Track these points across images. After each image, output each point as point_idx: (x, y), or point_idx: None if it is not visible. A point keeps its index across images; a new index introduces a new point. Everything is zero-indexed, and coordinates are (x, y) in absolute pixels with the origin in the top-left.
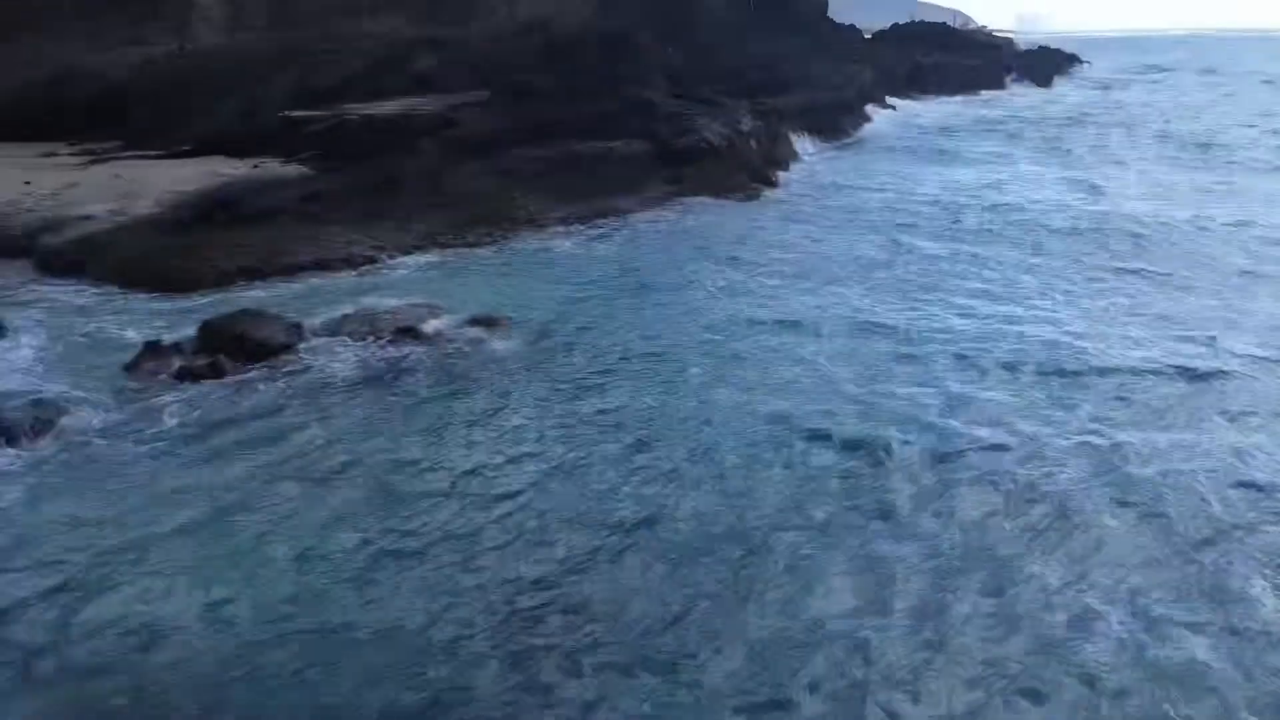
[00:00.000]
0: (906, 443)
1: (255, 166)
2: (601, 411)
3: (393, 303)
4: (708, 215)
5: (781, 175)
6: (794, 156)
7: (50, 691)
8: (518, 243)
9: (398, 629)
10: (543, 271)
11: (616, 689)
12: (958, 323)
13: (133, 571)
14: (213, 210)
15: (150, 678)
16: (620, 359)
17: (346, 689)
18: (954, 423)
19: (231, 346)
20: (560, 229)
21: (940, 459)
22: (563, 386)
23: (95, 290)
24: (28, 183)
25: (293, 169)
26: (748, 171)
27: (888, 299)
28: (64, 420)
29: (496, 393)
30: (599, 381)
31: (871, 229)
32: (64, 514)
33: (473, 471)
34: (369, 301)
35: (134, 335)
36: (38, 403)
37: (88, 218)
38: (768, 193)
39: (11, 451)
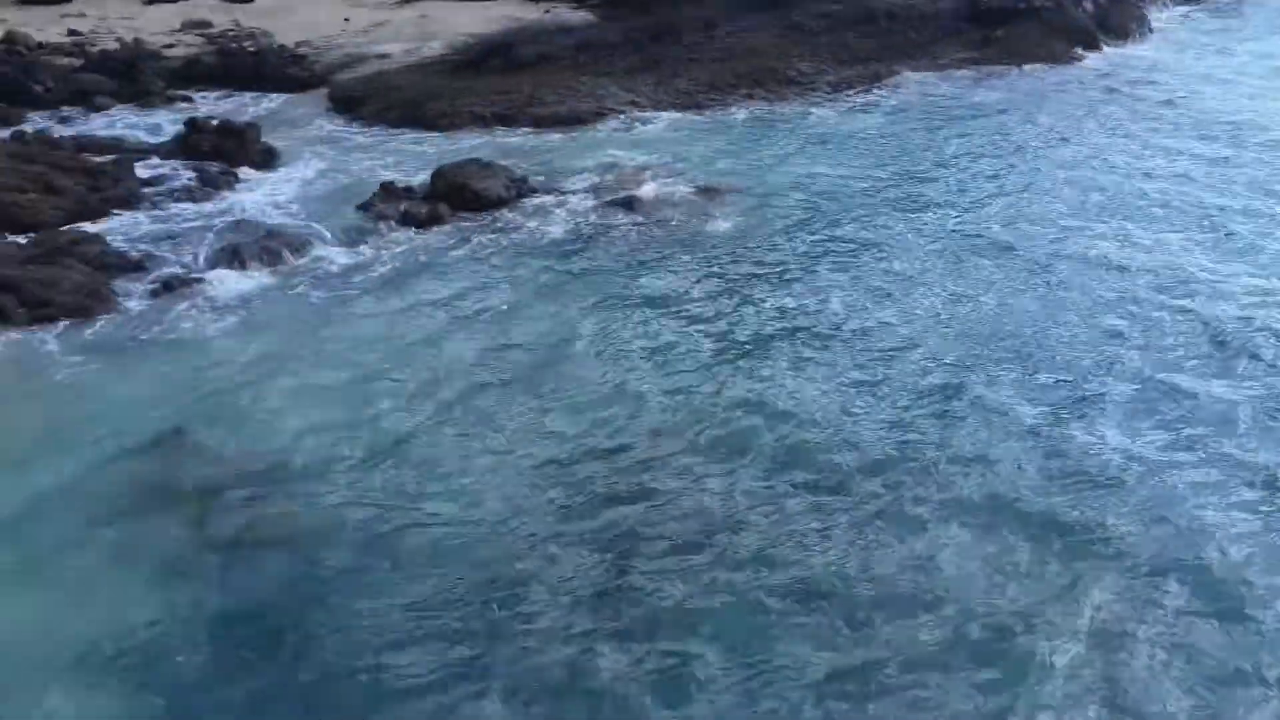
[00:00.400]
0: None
1: (546, 12)
2: (792, 311)
3: (628, 163)
4: (999, 90)
5: (1114, 50)
6: (1141, 23)
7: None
8: (779, 106)
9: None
10: (792, 141)
11: None
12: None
13: (290, 396)
14: (489, 55)
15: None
16: (839, 254)
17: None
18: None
19: (454, 195)
20: (830, 94)
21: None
22: (762, 275)
23: (369, 127)
24: (346, 19)
25: (580, 15)
26: (1073, 39)
27: (1166, 240)
28: (288, 254)
29: (689, 274)
30: (802, 276)
31: (1203, 138)
32: (253, 338)
33: (633, 355)
34: (606, 158)
35: (387, 175)
36: (272, 234)
37: (384, 56)
38: (1089, 65)
39: (237, 283)
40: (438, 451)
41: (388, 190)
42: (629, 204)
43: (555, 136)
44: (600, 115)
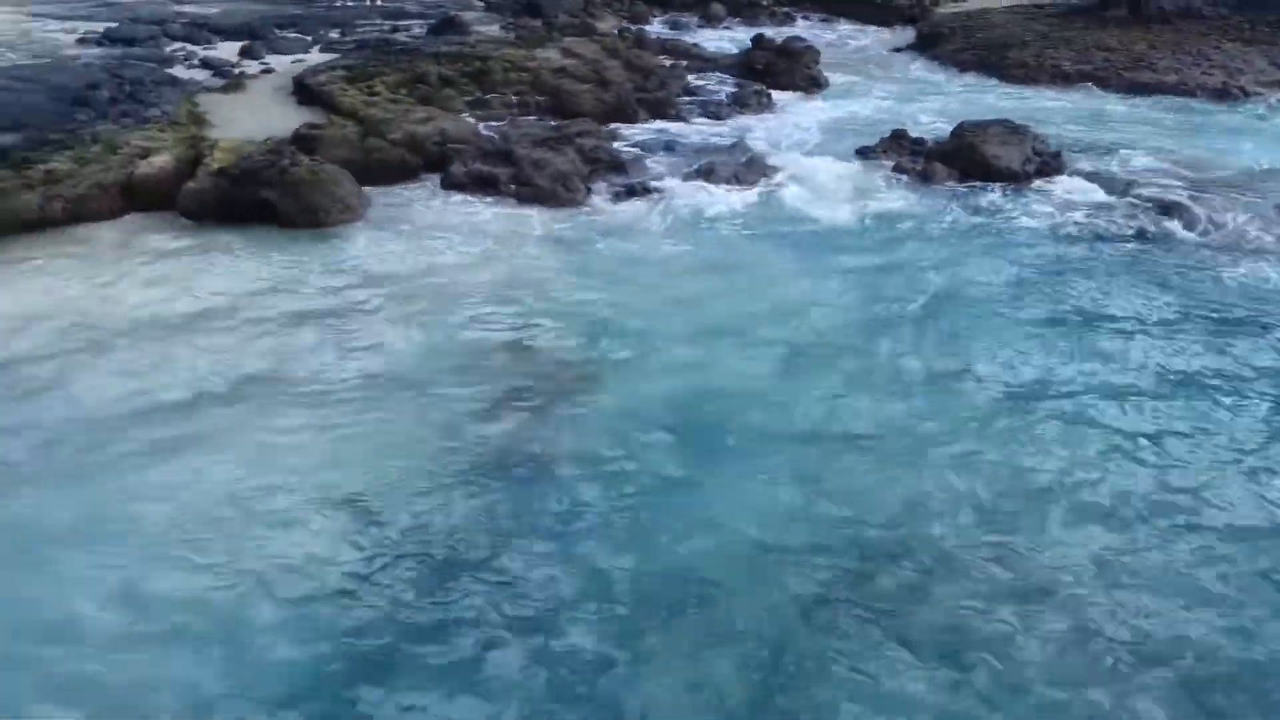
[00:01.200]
0: None
1: None
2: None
3: (1214, 163)
4: None
5: None
6: None
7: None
8: None
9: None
10: None
11: None
12: None
13: (665, 330)
14: (1115, 1)
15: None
16: None
17: None
18: None
19: (962, 156)
20: None
21: None
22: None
23: (938, 68)
24: None
25: None
26: None
27: None
28: (758, 183)
29: (1162, 331)
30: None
31: None
32: (677, 262)
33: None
34: (1191, 149)
35: (924, 120)
36: (752, 161)
37: None
38: None
39: (694, 202)
40: (769, 420)
41: (897, 139)
42: (1170, 211)
43: (1147, 111)
44: (1224, 93)
